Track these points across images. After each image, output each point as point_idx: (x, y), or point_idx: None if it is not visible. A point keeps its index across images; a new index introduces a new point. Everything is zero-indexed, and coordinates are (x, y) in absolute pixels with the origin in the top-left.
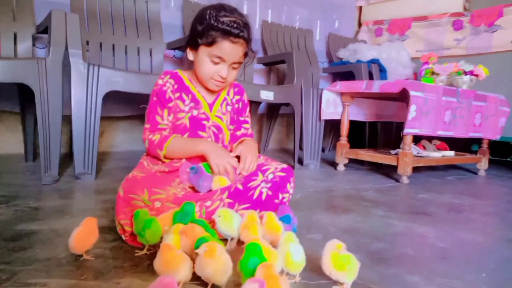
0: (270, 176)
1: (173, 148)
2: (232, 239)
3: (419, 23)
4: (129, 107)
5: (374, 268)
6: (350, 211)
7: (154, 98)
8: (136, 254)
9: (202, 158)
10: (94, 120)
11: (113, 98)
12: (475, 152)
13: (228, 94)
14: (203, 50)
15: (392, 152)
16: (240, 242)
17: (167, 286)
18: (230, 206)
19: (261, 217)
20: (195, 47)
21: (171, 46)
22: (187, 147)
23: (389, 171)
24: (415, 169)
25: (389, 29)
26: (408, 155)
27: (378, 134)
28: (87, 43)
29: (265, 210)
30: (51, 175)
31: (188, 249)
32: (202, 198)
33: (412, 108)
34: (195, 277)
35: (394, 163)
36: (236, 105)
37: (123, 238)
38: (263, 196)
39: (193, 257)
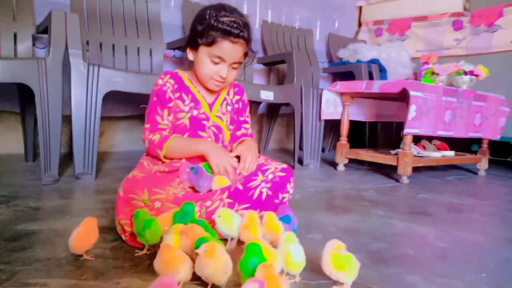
0: (270, 176)
1: (173, 148)
2: (232, 239)
3: (419, 23)
4: (129, 107)
5: (374, 268)
6: (350, 211)
7: (154, 98)
8: (136, 254)
9: (202, 158)
10: (94, 120)
11: (113, 98)
12: (475, 152)
13: (228, 94)
14: (203, 50)
15: (392, 152)
16: (240, 242)
17: (167, 286)
18: (230, 206)
19: (261, 217)
20: (195, 47)
21: (171, 46)
22: (187, 147)
23: (389, 171)
24: (415, 169)
25: (389, 29)
26: (408, 155)
27: (378, 134)
28: (87, 43)
29: (265, 210)
30: (51, 175)
31: (188, 249)
32: (202, 198)
33: (412, 108)
34: (195, 277)
35: (394, 163)
36: (236, 105)
37: (123, 238)
38: (263, 196)
39: (193, 257)
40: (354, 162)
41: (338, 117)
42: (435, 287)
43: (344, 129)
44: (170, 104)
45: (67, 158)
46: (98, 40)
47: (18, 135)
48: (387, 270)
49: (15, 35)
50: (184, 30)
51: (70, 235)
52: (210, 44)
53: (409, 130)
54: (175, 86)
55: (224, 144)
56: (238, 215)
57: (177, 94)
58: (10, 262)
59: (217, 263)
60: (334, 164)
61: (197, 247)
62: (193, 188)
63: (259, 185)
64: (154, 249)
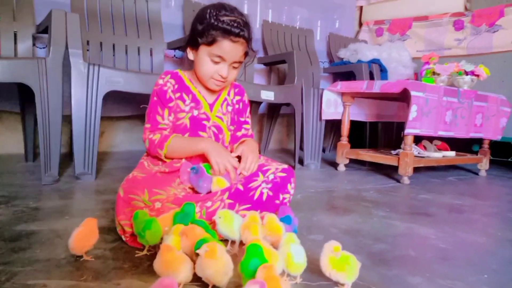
0: (271, 177)
1: (174, 147)
2: (234, 242)
3: (420, 23)
4: (129, 107)
5: (375, 270)
6: (351, 211)
7: (155, 98)
8: (136, 255)
9: (203, 158)
10: (94, 120)
11: (113, 98)
12: (476, 153)
13: (228, 94)
14: (203, 49)
15: (393, 152)
16: (241, 243)
17: (167, 287)
18: (231, 206)
19: (261, 218)
20: (195, 46)
21: (171, 46)
22: (188, 146)
23: (390, 172)
24: (416, 170)
25: (390, 29)
26: (409, 155)
27: (379, 134)
28: (88, 42)
29: (266, 210)
30: (51, 175)
31: (188, 250)
32: (202, 198)
33: (413, 108)
34: (196, 278)
35: (395, 164)
36: (237, 106)
37: (123, 238)
38: (264, 197)
39: (193, 258)
40: (354, 162)
41: (338, 117)
42: None
43: (345, 129)
44: (171, 104)
45: (67, 158)
46: (99, 40)
47: (18, 135)
48: (388, 271)
49: (15, 35)
50: (185, 29)
51: (70, 235)
52: (210, 43)
53: (410, 131)
54: (176, 86)
55: (225, 144)
56: (239, 216)
57: (178, 94)
58: (10, 262)
59: (218, 264)
60: (334, 165)
61: (197, 249)
62: (193, 188)
63: (259, 185)
64: (155, 250)
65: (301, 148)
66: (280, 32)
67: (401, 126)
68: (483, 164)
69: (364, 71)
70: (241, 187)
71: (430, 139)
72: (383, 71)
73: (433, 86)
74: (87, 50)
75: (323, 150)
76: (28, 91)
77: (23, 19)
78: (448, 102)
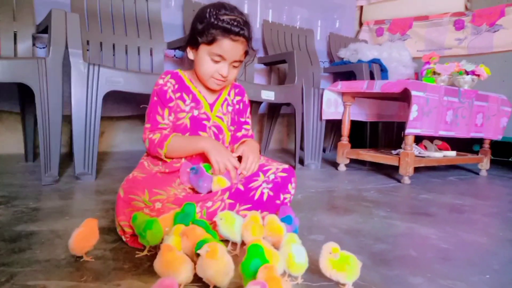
0: (272, 177)
1: (174, 146)
2: (236, 244)
3: (420, 23)
4: (129, 107)
5: (376, 270)
6: (351, 211)
7: (155, 98)
8: (136, 256)
9: (203, 158)
10: (94, 120)
11: (113, 98)
12: (477, 152)
13: (229, 94)
14: (203, 48)
15: (394, 152)
16: (242, 244)
17: None
18: (231, 206)
19: (262, 218)
20: (195, 46)
21: (171, 45)
22: (188, 145)
23: (390, 172)
24: (417, 169)
25: (390, 28)
26: (410, 155)
27: (379, 134)
28: (87, 42)
29: (267, 210)
30: (51, 175)
31: (189, 250)
32: (203, 198)
33: (414, 108)
34: (196, 279)
35: (396, 163)
36: (237, 106)
37: (124, 239)
38: (265, 197)
39: (194, 258)
40: (355, 162)
41: (339, 117)
42: None
43: (345, 129)
44: (171, 104)
45: (67, 158)
46: (99, 40)
47: (18, 135)
48: (389, 272)
49: (15, 35)
50: (185, 29)
51: (70, 236)
52: (211, 42)
53: (410, 130)
54: (176, 86)
55: (225, 144)
56: (240, 217)
57: (178, 94)
58: (9, 263)
59: (219, 264)
60: (335, 164)
61: (198, 249)
62: (193, 189)
63: (260, 185)
64: (155, 250)
65: (302, 148)
66: (280, 32)
67: (401, 126)
68: (484, 164)
69: (364, 71)
70: (241, 187)
71: (431, 139)
72: (384, 71)
73: (434, 86)
74: (87, 50)
75: (324, 150)
76: (28, 91)
77: (23, 19)
78: (449, 102)
